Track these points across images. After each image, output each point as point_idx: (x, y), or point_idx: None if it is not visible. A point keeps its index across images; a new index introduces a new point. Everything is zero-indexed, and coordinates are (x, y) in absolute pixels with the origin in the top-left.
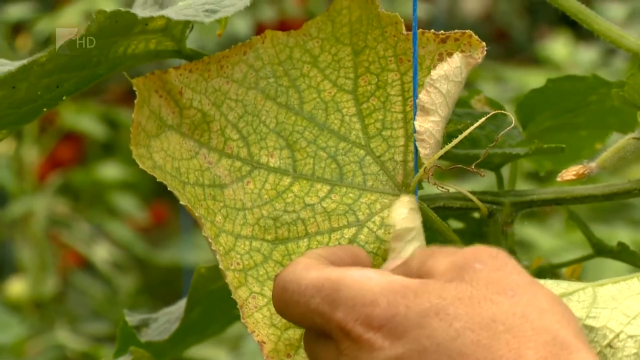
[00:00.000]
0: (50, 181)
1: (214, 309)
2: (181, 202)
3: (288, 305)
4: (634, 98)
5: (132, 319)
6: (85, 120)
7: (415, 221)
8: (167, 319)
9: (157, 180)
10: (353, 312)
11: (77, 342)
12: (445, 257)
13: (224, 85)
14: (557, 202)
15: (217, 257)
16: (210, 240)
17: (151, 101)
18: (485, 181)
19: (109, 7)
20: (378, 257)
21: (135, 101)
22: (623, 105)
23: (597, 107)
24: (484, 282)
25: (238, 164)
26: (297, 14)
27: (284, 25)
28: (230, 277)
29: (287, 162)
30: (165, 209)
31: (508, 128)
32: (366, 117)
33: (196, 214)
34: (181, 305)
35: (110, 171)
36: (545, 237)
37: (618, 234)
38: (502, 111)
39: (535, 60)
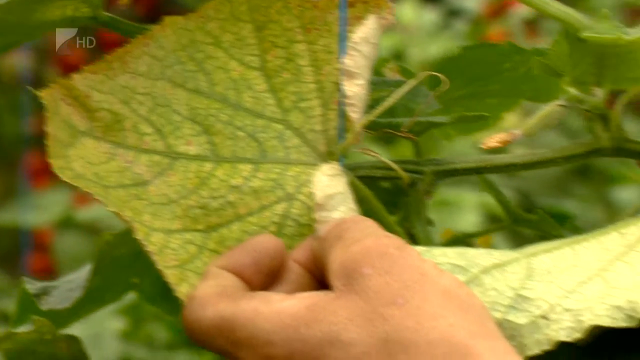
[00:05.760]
0: None
1: (113, 276)
2: (109, 209)
3: (200, 344)
4: (557, 66)
5: (32, 286)
6: None
7: (338, 186)
8: (68, 287)
9: (82, 189)
10: (254, 353)
11: None
12: (341, 251)
13: (130, 81)
14: (478, 171)
15: (153, 257)
16: (143, 242)
17: (60, 110)
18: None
19: None
20: (313, 228)
21: (46, 113)
22: (544, 73)
23: (509, 74)
24: (373, 291)
25: (157, 158)
26: None
27: None
28: (169, 275)
29: (206, 147)
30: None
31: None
32: (279, 92)
33: (125, 218)
34: (82, 273)
35: None
36: None
37: (465, 197)
38: (435, 73)
39: None
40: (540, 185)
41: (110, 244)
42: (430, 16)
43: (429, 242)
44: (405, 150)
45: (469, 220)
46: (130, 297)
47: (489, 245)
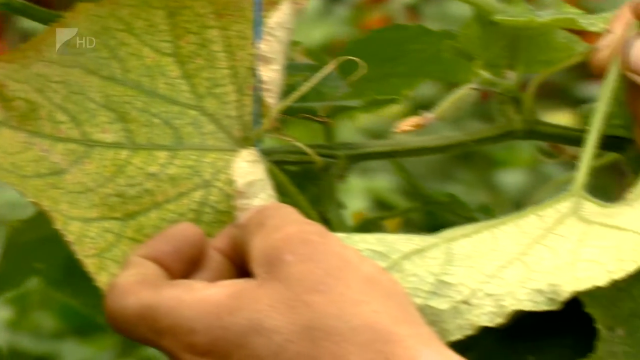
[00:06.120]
0: None
1: (20, 262)
2: (27, 199)
3: (122, 332)
4: (468, 49)
5: None
6: None
7: (258, 173)
8: None
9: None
10: (176, 341)
11: None
12: (263, 238)
13: (44, 69)
14: (392, 155)
15: (72, 247)
16: (62, 231)
17: None
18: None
19: None
20: (231, 215)
21: None
22: (455, 56)
23: (417, 56)
24: (295, 278)
25: (72, 146)
26: None
27: None
28: (89, 264)
29: (122, 134)
30: None
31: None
32: (193, 78)
33: (44, 207)
34: None
35: None
36: None
37: (352, 182)
38: (352, 58)
39: None
40: (425, 170)
41: (18, 230)
42: (312, 2)
43: (342, 226)
44: (297, 134)
45: (356, 205)
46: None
47: (399, 229)
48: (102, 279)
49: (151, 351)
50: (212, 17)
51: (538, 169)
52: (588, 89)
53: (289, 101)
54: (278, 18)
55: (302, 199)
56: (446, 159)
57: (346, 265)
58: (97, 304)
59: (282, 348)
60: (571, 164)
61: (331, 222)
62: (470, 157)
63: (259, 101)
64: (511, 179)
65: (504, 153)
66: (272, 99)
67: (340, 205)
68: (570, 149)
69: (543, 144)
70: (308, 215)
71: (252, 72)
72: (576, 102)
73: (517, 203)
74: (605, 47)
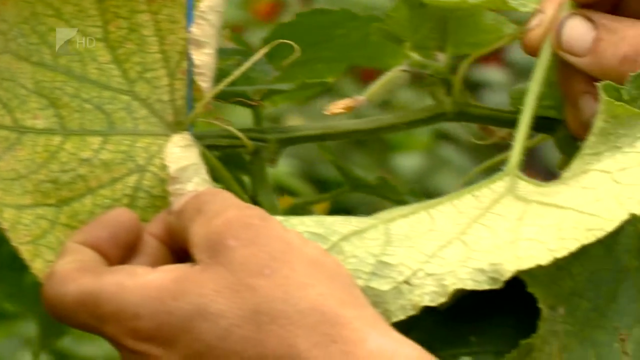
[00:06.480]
0: None
1: None
2: None
3: (61, 319)
4: (397, 32)
5: None
6: None
7: (191, 157)
8: None
9: None
10: (120, 326)
11: None
12: (203, 224)
13: None
14: (323, 138)
15: (7, 234)
16: None
17: None
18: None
19: None
20: (166, 199)
21: None
22: (383, 39)
23: (341, 41)
24: (239, 263)
25: (4, 132)
26: None
27: None
28: (23, 251)
29: (54, 120)
30: None
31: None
32: (124, 63)
33: None
34: None
35: None
36: None
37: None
38: (287, 41)
39: None
40: (321, 154)
41: None
42: None
43: (274, 209)
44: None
45: None
46: None
47: (327, 212)
48: (37, 266)
49: (66, 344)
50: (142, 1)
51: (434, 153)
52: (481, 72)
53: (223, 85)
54: (209, 2)
55: (235, 183)
56: (342, 143)
57: (290, 249)
58: (12, 293)
59: (228, 332)
60: (467, 147)
61: (263, 207)
62: (365, 141)
63: (191, 85)
64: (407, 162)
65: (400, 137)
66: (205, 83)
67: (273, 190)
68: (500, 131)
69: (442, 129)
70: (241, 200)
71: (185, 56)
72: (469, 86)
73: (415, 186)
74: (536, 26)
